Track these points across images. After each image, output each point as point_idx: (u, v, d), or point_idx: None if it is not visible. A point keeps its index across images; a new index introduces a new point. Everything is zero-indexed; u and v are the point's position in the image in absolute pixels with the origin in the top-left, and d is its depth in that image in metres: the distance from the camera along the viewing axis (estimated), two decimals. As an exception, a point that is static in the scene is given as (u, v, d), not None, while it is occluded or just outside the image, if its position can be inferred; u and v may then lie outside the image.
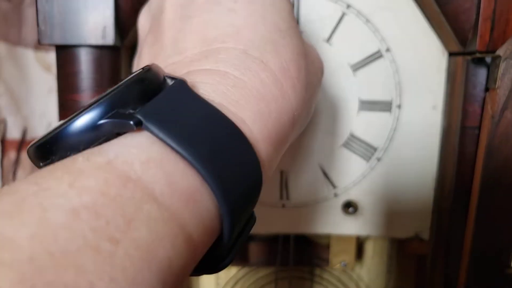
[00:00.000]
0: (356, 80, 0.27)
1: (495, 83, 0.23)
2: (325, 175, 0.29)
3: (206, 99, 0.14)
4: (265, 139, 0.15)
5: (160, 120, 0.12)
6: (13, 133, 0.73)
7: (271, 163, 0.16)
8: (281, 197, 0.29)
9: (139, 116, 0.12)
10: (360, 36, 0.27)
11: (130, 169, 0.11)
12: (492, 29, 0.23)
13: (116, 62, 0.24)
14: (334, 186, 0.29)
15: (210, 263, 0.14)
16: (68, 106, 0.24)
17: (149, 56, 0.18)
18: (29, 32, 0.73)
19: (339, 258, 0.30)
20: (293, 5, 0.26)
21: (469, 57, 0.25)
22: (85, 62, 0.23)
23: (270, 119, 0.15)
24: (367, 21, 0.27)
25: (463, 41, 0.25)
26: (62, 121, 0.13)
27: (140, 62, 0.19)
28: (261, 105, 0.15)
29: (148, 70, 0.14)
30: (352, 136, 0.28)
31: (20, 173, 0.75)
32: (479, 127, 0.25)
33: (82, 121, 0.12)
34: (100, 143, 0.12)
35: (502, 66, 0.22)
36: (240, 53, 0.16)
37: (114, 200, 0.11)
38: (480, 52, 0.23)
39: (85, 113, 0.12)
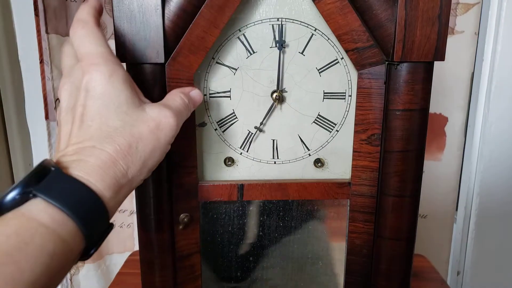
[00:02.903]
0: (321, 78, 0.41)
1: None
2: (302, 142, 0.43)
3: (71, 174, 0.28)
4: (106, 189, 0.28)
5: (45, 191, 0.26)
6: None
7: (114, 199, 0.29)
8: (273, 156, 0.43)
9: (34, 191, 0.26)
10: (324, 49, 0.40)
11: (32, 214, 0.25)
12: (403, 48, 0.36)
13: (161, 73, 0.38)
14: (308, 149, 0.43)
15: (84, 255, 0.29)
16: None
17: (59, 138, 0.32)
18: (73, 23, 0.87)
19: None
20: (280, 29, 0.40)
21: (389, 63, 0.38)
22: (147, 74, 0.38)
23: (108, 177, 0.29)
24: (328, 39, 0.40)
25: (386, 54, 0.38)
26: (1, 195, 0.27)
27: (58, 134, 0.33)
28: (101, 172, 0.29)
29: (42, 166, 0.28)
30: (320, 116, 0.42)
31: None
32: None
33: (9, 196, 0.26)
34: (18, 206, 0.26)
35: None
36: (90, 147, 0.29)
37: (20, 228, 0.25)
38: (395, 62, 0.37)
39: (9, 192, 0.26)
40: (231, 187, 0.42)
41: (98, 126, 0.30)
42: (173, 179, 0.41)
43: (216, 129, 0.42)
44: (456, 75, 0.88)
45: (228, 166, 0.43)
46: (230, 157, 0.43)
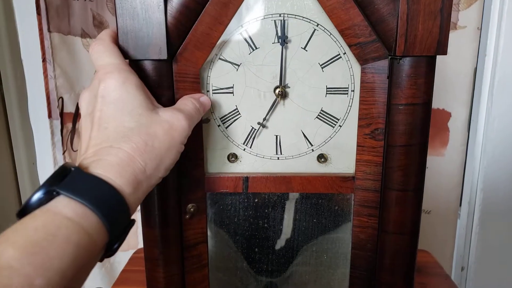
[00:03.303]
0: (324, 73, 0.41)
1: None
2: (305, 137, 0.43)
3: (91, 172, 0.29)
4: (125, 184, 0.30)
5: (67, 188, 0.28)
6: (69, 108, 0.90)
7: (133, 195, 0.31)
8: (276, 152, 0.44)
9: (57, 189, 0.28)
10: (326, 44, 0.40)
11: (57, 209, 0.27)
12: (405, 42, 0.36)
13: (167, 69, 0.39)
14: (311, 144, 0.43)
15: (108, 250, 0.30)
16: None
17: (80, 144, 0.34)
18: (76, 22, 0.88)
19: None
20: (283, 24, 0.40)
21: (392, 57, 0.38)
22: (149, 70, 0.38)
23: (127, 174, 0.30)
24: (330, 34, 0.40)
25: (389, 49, 0.38)
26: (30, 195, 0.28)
27: (80, 141, 0.35)
28: (120, 169, 0.30)
29: (63, 167, 0.30)
30: (323, 111, 0.42)
31: (75, 140, 0.92)
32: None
33: (35, 196, 0.28)
34: (44, 204, 0.28)
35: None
36: (107, 147, 0.31)
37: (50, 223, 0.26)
38: (398, 56, 0.37)
39: (35, 193, 0.28)
40: (236, 179, 0.42)
41: (114, 128, 0.32)
42: (181, 171, 0.41)
43: (219, 125, 0.43)
44: (459, 70, 0.87)
45: (231, 163, 0.44)
46: (234, 153, 0.43)
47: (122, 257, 1.02)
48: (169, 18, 0.37)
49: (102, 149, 0.31)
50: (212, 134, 0.43)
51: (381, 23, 0.37)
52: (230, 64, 0.41)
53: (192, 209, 0.42)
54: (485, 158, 0.94)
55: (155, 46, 0.37)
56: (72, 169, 0.29)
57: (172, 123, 0.34)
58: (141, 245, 0.98)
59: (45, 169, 0.94)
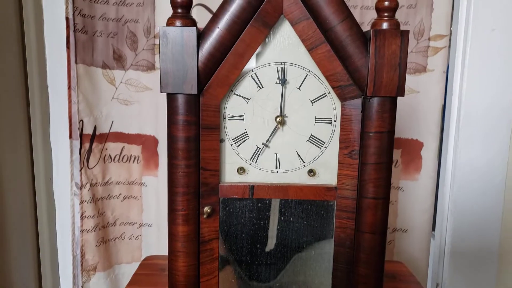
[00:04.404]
0: (313, 107, 0.54)
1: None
2: (299, 155, 0.55)
3: None
4: None
5: None
6: (88, 130, 1.01)
7: None
8: (275, 167, 0.55)
9: None
10: (315, 86, 0.53)
11: None
12: (374, 86, 0.49)
13: (196, 101, 0.51)
14: (303, 161, 0.55)
15: None
16: (175, 121, 0.50)
17: None
18: (98, 55, 1.01)
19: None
20: (283, 70, 0.53)
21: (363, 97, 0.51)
22: (182, 102, 0.50)
23: None
24: (319, 78, 0.53)
25: (362, 90, 0.51)
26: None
27: None
28: None
29: None
30: (312, 136, 0.55)
31: (91, 158, 1.03)
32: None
33: None
34: None
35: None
36: None
37: None
38: (368, 96, 0.50)
39: None
40: (244, 187, 0.54)
41: None
42: (201, 180, 0.52)
43: (232, 144, 0.55)
44: (429, 106, 1.02)
45: (240, 174, 0.55)
46: (242, 167, 0.55)
47: (126, 269, 1.11)
48: (199, 63, 0.49)
49: None
50: (225, 151, 0.55)
51: (356, 72, 0.50)
52: (242, 98, 0.53)
53: (208, 211, 0.53)
54: (454, 184, 1.07)
55: (188, 84, 0.49)
56: None
57: None
58: (144, 256, 1.07)
59: (61, 184, 1.04)
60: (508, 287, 1.05)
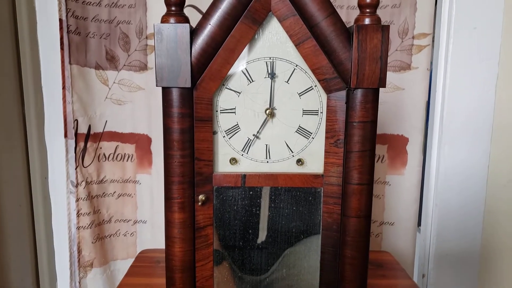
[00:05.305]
0: (301, 100, 0.57)
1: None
2: (288, 146, 0.58)
3: None
4: None
5: None
6: (82, 129, 1.03)
7: None
8: (266, 157, 0.58)
9: None
10: (302, 79, 0.56)
11: None
12: (357, 78, 0.53)
13: (189, 94, 0.54)
14: (292, 151, 0.58)
15: None
16: (169, 114, 0.53)
17: None
18: (91, 56, 1.03)
19: (296, 189, 0.60)
20: (272, 64, 0.56)
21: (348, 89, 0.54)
22: (176, 95, 0.53)
23: None
24: (306, 72, 0.56)
25: (346, 83, 0.54)
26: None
27: None
28: None
29: None
30: (300, 127, 0.58)
31: (86, 157, 1.05)
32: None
33: None
34: None
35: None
36: None
37: None
38: (352, 88, 0.53)
39: None
40: (236, 176, 0.57)
41: None
42: (196, 170, 0.55)
43: (224, 136, 0.58)
44: (414, 103, 1.06)
45: (232, 165, 0.58)
46: (234, 157, 0.58)
47: (121, 265, 1.13)
48: (193, 58, 0.52)
49: None
50: (218, 143, 0.58)
51: (340, 65, 0.54)
52: (233, 92, 0.56)
53: (203, 198, 0.56)
54: (438, 178, 1.11)
55: (182, 78, 0.52)
56: None
57: None
58: (138, 251, 1.09)
59: (56, 182, 1.06)
60: (491, 275, 1.09)
